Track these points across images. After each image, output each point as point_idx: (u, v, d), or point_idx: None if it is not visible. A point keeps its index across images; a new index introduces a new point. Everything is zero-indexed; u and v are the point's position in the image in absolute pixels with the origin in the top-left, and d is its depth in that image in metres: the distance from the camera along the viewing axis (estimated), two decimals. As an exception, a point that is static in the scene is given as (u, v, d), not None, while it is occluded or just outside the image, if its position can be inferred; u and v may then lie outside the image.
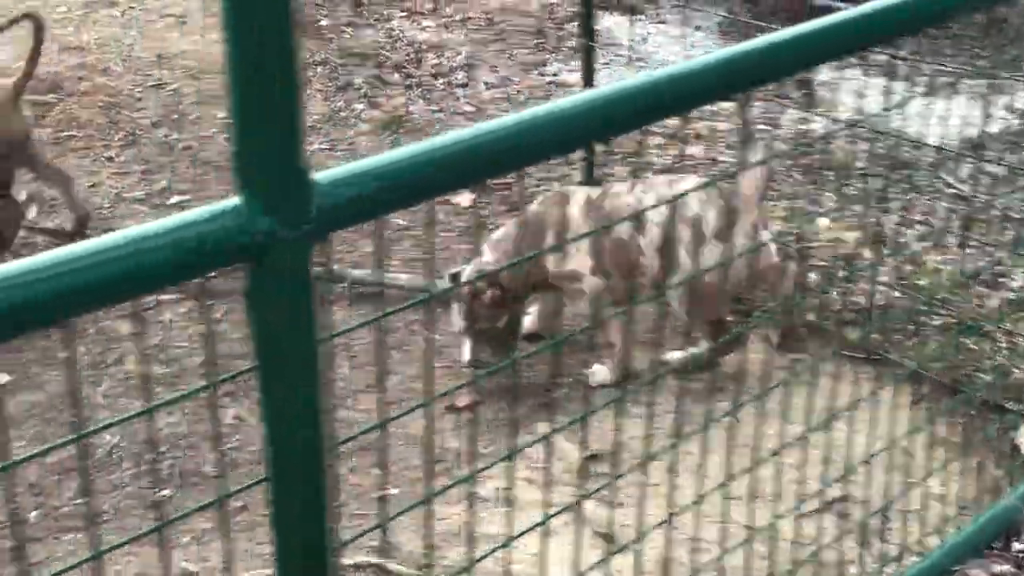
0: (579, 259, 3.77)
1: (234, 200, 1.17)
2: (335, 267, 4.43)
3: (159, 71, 6.80)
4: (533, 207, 3.95)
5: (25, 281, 1.06)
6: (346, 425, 3.61)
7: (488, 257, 3.85)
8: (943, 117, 4.77)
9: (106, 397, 3.75)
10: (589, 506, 3.13)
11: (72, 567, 1.60)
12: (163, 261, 1.10)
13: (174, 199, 5.25)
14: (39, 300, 1.07)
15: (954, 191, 5.08)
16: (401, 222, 5.00)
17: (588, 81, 4.75)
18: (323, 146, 5.85)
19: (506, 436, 3.51)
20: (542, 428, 3.52)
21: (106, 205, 5.19)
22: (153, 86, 6.58)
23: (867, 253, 4.29)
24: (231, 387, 3.81)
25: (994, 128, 5.64)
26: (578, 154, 4.95)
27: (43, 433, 3.57)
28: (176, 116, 6.18)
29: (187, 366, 3.92)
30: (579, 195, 3.90)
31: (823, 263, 4.35)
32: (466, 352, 3.83)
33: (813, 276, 4.22)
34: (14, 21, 5.06)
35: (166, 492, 3.32)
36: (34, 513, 3.24)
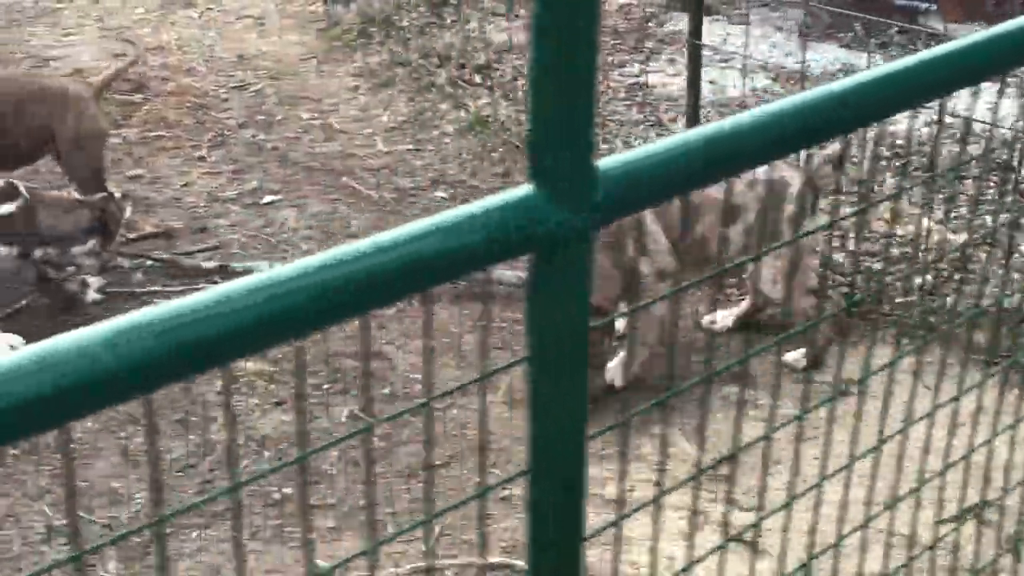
0: (660, 258, 3.73)
1: (522, 190, 1.14)
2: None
3: (241, 72, 6.83)
4: None
5: (323, 276, 1.04)
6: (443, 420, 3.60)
7: None
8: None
9: (218, 395, 3.75)
10: (720, 510, 3.09)
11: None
12: (452, 253, 1.07)
13: (267, 199, 5.26)
14: (335, 291, 1.05)
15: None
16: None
17: (695, 82, 4.66)
18: (409, 146, 5.84)
19: (620, 437, 3.47)
20: (658, 429, 3.48)
21: (201, 204, 5.20)
22: (236, 87, 6.61)
23: (980, 255, 4.22)
24: (342, 384, 3.80)
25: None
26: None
27: (161, 428, 3.58)
28: (261, 117, 6.20)
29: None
30: None
31: (938, 265, 4.29)
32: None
33: (927, 278, 4.16)
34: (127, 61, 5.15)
35: (287, 490, 3.31)
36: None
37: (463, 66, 6.66)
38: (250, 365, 3.87)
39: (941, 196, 4.81)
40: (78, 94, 4.72)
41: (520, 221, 1.09)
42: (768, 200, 3.72)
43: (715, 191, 3.71)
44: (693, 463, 3.32)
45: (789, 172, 3.85)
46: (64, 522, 3.18)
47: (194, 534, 3.16)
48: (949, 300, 3.98)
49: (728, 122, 1.28)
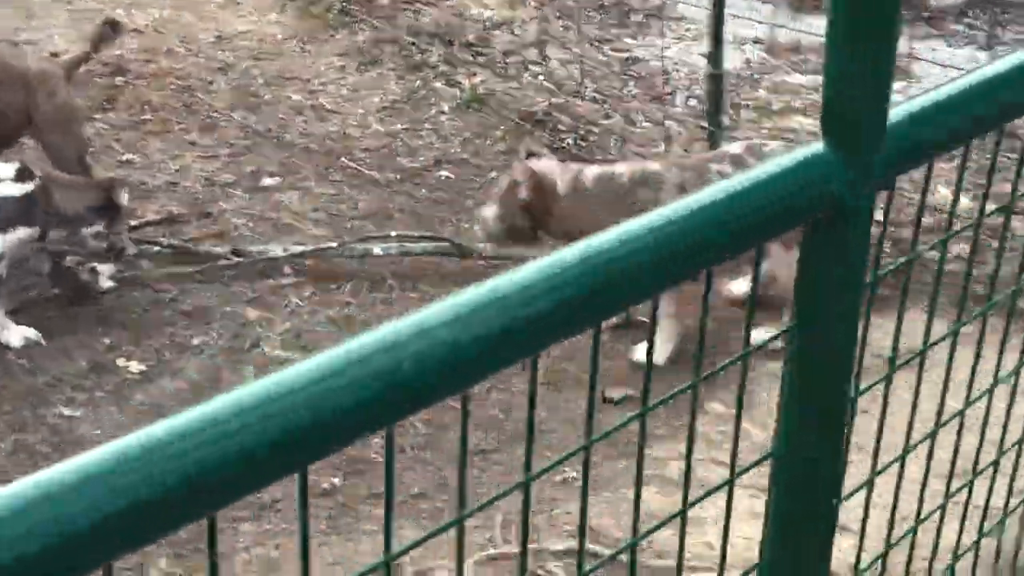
0: None
1: (813, 148, 1.04)
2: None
3: (222, 53, 6.64)
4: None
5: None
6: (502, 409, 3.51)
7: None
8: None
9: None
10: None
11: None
12: (750, 217, 0.98)
13: (266, 182, 5.10)
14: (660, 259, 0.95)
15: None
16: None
17: (716, 55, 4.51)
18: (405, 126, 5.71)
19: (673, 416, 3.40)
20: (716, 407, 3.42)
21: (200, 189, 5.03)
22: (219, 69, 6.42)
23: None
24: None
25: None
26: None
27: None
28: (249, 99, 6.03)
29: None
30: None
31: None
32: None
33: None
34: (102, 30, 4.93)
35: (336, 480, 3.19)
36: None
37: (451, 43, 6.53)
38: (282, 353, 3.75)
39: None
40: (47, 72, 4.52)
41: (815, 181, 1.00)
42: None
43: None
44: (751, 440, 3.25)
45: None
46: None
47: (244, 527, 3.04)
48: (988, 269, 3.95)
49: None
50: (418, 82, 6.18)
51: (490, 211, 3.89)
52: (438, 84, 6.12)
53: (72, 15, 7.17)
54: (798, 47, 6.46)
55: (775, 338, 1.21)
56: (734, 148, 3.87)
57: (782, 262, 3.67)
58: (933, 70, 5.94)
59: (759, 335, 3.74)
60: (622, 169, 3.81)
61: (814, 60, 6.27)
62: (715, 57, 4.32)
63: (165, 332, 3.89)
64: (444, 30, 6.64)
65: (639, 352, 3.74)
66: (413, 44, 6.54)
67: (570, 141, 5.31)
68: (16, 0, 7.49)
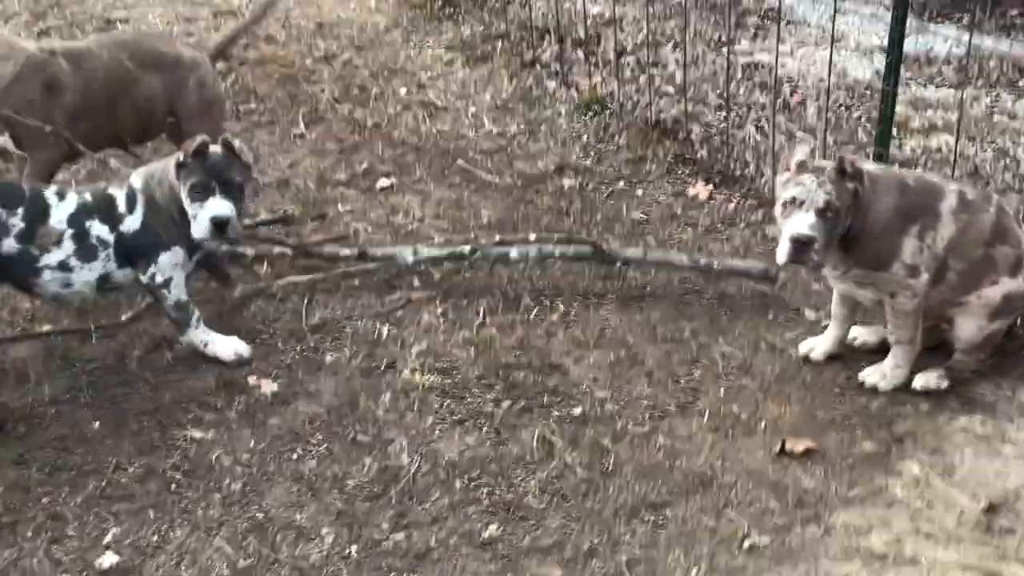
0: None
1: None
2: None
3: (324, 41, 6.38)
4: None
5: None
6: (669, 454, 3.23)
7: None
8: None
9: (388, 411, 3.35)
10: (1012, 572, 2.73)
11: None
12: None
13: (381, 183, 4.83)
14: None
15: None
16: (639, 216, 4.59)
17: (892, 66, 4.04)
18: (520, 127, 5.42)
19: (862, 475, 3.10)
20: (912, 468, 3.11)
21: (312, 187, 4.77)
22: (322, 58, 6.16)
23: None
24: (524, 401, 3.41)
25: None
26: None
27: (333, 450, 3.18)
28: (355, 91, 5.76)
29: (468, 376, 3.52)
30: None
31: None
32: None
33: None
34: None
35: (494, 528, 2.92)
36: (353, 548, 2.84)
37: (562, 39, 6.23)
38: (420, 377, 3.47)
39: None
40: (196, 60, 4.29)
41: None
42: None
43: None
44: (960, 510, 2.94)
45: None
46: (249, 561, 2.78)
47: (401, 579, 2.77)
48: None
49: None
50: (531, 80, 5.89)
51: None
52: (552, 83, 5.83)
53: (165, -5, 6.94)
54: (928, 58, 6.12)
55: None
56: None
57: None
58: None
59: (926, 380, 3.47)
60: None
61: (947, 72, 5.93)
62: (890, 69, 3.95)
63: (295, 348, 3.63)
64: (554, 25, 6.34)
65: (870, 376, 3.43)
66: (523, 39, 6.25)
67: (704, 154, 5.00)
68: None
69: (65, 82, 3.93)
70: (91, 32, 6.20)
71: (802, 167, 3.23)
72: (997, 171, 4.82)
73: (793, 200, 3.19)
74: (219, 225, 3.31)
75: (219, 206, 3.31)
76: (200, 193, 3.33)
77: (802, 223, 3.15)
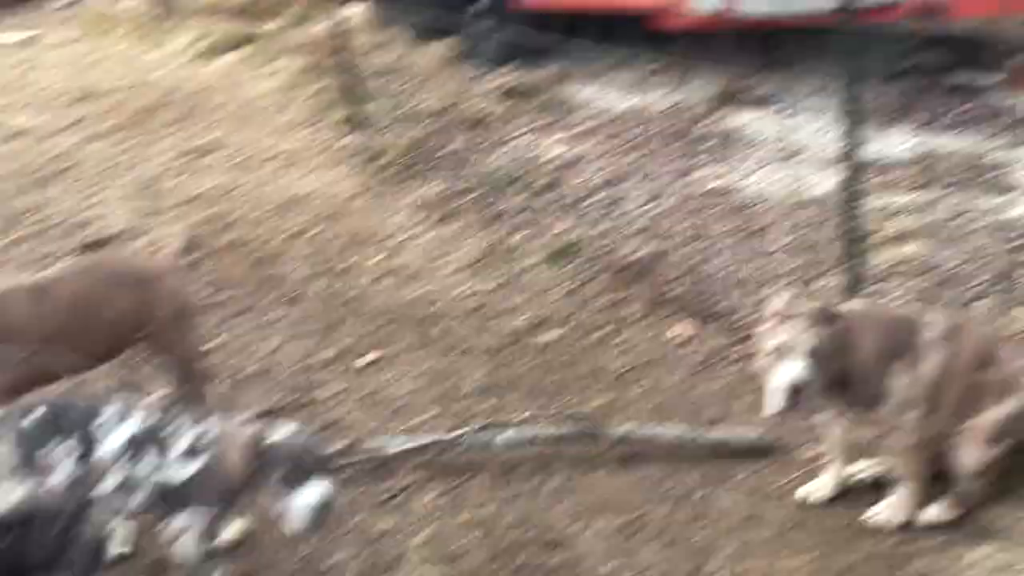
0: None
1: None
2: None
3: (292, 217, 6.44)
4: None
5: None
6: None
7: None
8: None
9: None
10: None
11: None
12: None
13: (368, 357, 4.82)
14: None
15: None
16: (622, 365, 4.59)
17: (851, 184, 4.11)
18: (496, 284, 5.45)
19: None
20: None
21: (296, 373, 4.76)
22: (291, 235, 6.21)
23: None
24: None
25: None
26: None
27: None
28: (328, 265, 5.80)
29: (475, 562, 3.46)
30: None
31: None
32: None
33: None
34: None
35: None
36: None
37: (527, 188, 6.31)
38: (430, 571, 3.42)
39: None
40: (166, 270, 4.29)
41: None
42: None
43: None
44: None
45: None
46: None
47: None
48: None
49: None
50: (500, 234, 5.94)
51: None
52: (521, 234, 5.88)
53: (133, 186, 7.01)
54: (886, 164, 6.22)
55: None
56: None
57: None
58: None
59: (934, 513, 3.42)
60: None
61: (907, 175, 6.03)
62: (850, 187, 3.99)
63: (296, 551, 3.57)
64: (518, 174, 6.43)
65: (877, 515, 3.39)
66: (488, 193, 6.33)
67: (681, 291, 5.04)
68: (65, 174, 7.38)
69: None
70: (60, 239, 6.23)
71: (784, 314, 3.25)
72: (971, 276, 4.87)
73: (780, 348, 3.20)
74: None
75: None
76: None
77: (788, 371, 3.16)
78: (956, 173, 5.99)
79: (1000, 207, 5.54)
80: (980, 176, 5.96)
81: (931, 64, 7.76)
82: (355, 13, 9.11)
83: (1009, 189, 5.81)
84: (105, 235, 6.18)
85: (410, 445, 4.00)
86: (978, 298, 4.67)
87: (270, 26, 10.59)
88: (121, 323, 4.12)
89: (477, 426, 4.05)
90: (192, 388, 4.16)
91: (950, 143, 6.38)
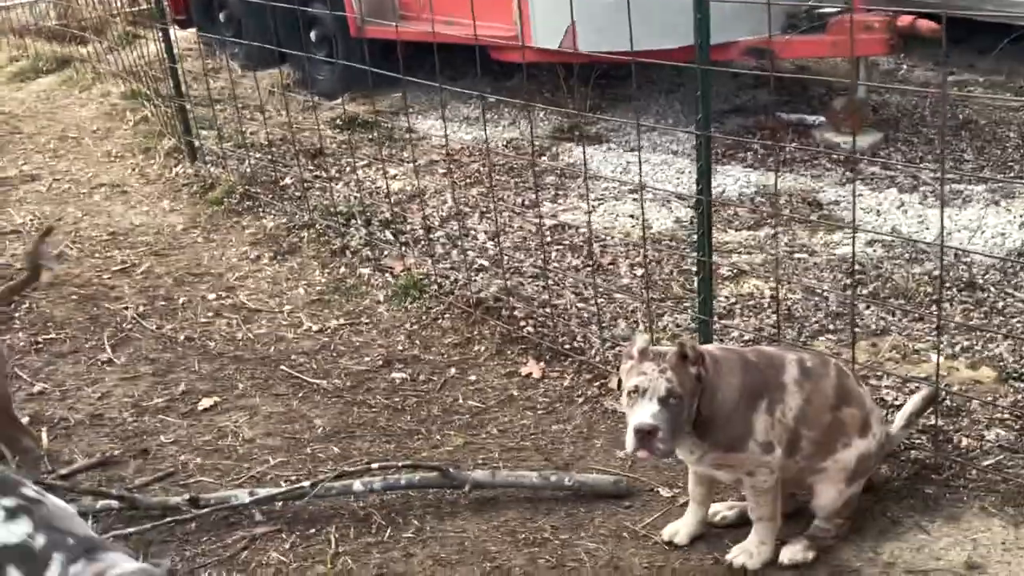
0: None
1: None
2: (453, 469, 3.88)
3: (119, 252, 6.12)
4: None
5: None
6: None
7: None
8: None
9: None
10: None
11: None
12: None
13: (203, 403, 4.59)
14: None
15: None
16: (475, 404, 4.49)
17: (702, 222, 4.11)
18: (341, 321, 5.28)
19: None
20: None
21: (129, 420, 4.49)
22: (119, 270, 5.90)
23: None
24: None
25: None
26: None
27: None
28: (161, 303, 5.52)
29: None
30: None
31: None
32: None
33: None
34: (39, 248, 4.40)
35: None
36: None
37: (368, 222, 6.17)
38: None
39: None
40: None
41: None
42: None
43: None
44: None
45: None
46: None
47: None
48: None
49: None
50: (343, 269, 5.78)
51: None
52: (366, 270, 5.73)
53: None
54: (723, 201, 6.34)
55: None
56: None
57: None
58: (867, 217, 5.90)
59: (792, 553, 3.45)
60: None
61: (741, 213, 6.15)
62: (701, 222, 4.00)
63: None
64: (358, 208, 6.28)
65: (738, 557, 3.37)
66: (329, 227, 6.15)
67: (530, 329, 4.98)
68: None
69: None
70: None
71: (643, 355, 3.22)
72: (811, 311, 4.98)
73: (636, 389, 3.16)
74: None
75: None
76: None
77: (645, 413, 3.12)
78: (790, 210, 6.14)
79: (834, 244, 5.70)
80: (813, 212, 6.13)
81: (761, 102, 8.00)
82: (182, 36, 8.77)
83: (840, 226, 6.00)
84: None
85: (262, 494, 3.81)
86: (820, 333, 4.77)
87: (90, 48, 10.14)
88: None
89: (331, 474, 3.89)
90: (23, 456, 3.90)
91: (782, 181, 6.55)
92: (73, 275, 5.78)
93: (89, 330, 5.24)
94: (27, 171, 7.51)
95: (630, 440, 3.15)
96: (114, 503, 3.83)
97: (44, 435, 4.36)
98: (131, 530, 3.69)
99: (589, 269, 5.59)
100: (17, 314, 5.36)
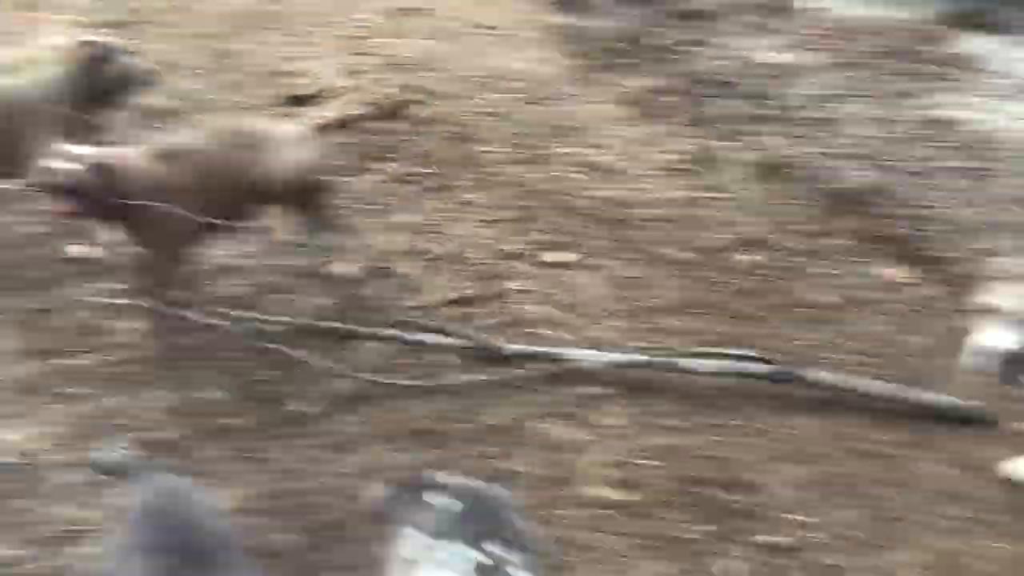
0: None
1: None
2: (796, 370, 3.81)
3: (494, 95, 6.29)
4: None
5: None
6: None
7: None
8: None
9: (569, 529, 3.22)
10: None
11: None
12: None
13: (555, 256, 4.70)
14: None
15: None
16: (825, 300, 4.35)
17: None
18: (697, 193, 5.22)
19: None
20: None
21: (486, 261, 4.67)
22: (492, 114, 6.07)
23: None
24: (716, 524, 3.23)
25: None
26: None
27: None
28: (524, 152, 5.65)
29: (655, 492, 3.35)
30: None
31: None
32: None
33: None
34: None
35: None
36: None
37: (737, 93, 6.01)
38: (608, 493, 3.34)
39: None
40: (289, 136, 4.20)
41: None
42: None
43: None
44: None
45: None
46: None
47: None
48: None
49: None
50: (707, 140, 5.69)
51: None
52: (729, 143, 5.61)
53: (339, 41, 6.96)
54: None
55: None
56: None
57: None
58: None
59: None
60: None
61: None
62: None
63: (474, 450, 3.54)
64: (729, 78, 6.12)
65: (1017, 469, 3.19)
66: (697, 94, 6.05)
67: (895, 229, 4.72)
68: (276, 23, 7.36)
69: None
70: (258, 87, 6.24)
71: (1009, 275, 2.98)
72: None
73: (999, 311, 2.94)
74: None
75: None
76: None
77: (1009, 338, 2.90)
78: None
79: None
80: None
81: None
82: None
83: None
84: (304, 93, 6.16)
85: (600, 361, 3.89)
86: None
87: None
88: (248, 184, 4.07)
89: (680, 350, 3.91)
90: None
91: None
92: (449, 114, 6.01)
93: (455, 169, 5.46)
94: (418, 4, 7.78)
95: (976, 359, 2.96)
96: (458, 342, 4.03)
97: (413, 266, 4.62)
98: (465, 377, 3.87)
99: (971, 173, 5.21)
100: (403, 145, 5.64)
